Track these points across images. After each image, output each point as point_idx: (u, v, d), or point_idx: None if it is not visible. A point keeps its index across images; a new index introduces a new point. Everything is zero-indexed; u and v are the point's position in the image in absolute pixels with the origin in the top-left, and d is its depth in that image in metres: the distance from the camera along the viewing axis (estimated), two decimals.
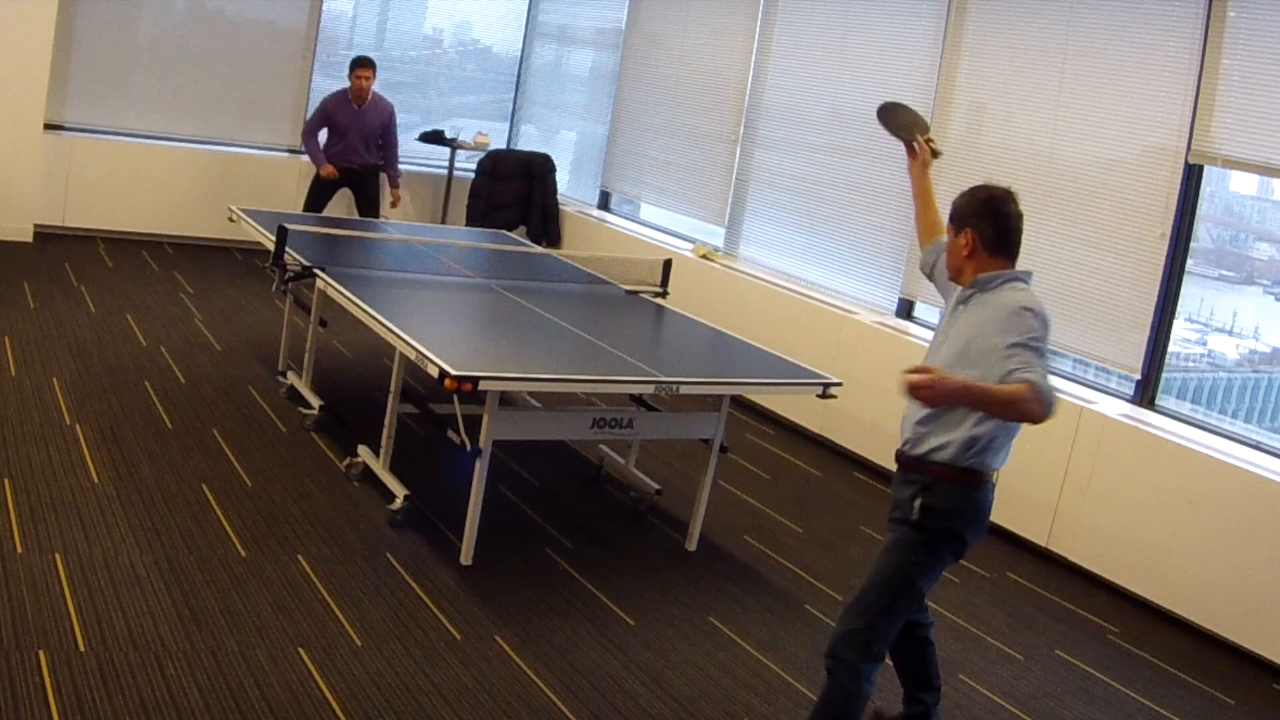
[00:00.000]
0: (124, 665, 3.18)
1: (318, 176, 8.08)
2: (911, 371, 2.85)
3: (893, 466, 6.06)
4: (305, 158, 9.03)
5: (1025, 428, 5.38)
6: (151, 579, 3.69)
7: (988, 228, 3.10)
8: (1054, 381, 5.43)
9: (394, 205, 8.36)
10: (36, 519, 3.95)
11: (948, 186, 6.13)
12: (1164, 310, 5.18)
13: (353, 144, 7.98)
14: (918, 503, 3.15)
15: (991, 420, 3.02)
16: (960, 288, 3.20)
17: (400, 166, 8.35)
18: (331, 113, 7.94)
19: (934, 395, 2.88)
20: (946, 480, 3.11)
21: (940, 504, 3.12)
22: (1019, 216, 3.13)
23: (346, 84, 7.99)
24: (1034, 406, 2.84)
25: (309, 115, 8.22)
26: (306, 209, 8.03)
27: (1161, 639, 4.62)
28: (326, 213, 8.08)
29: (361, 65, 7.84)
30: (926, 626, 3.50)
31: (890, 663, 3.41)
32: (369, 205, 8.23)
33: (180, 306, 6.95)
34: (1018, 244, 3.14)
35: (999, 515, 5.38)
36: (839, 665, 3.12)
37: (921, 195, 3.76)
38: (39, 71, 7.57)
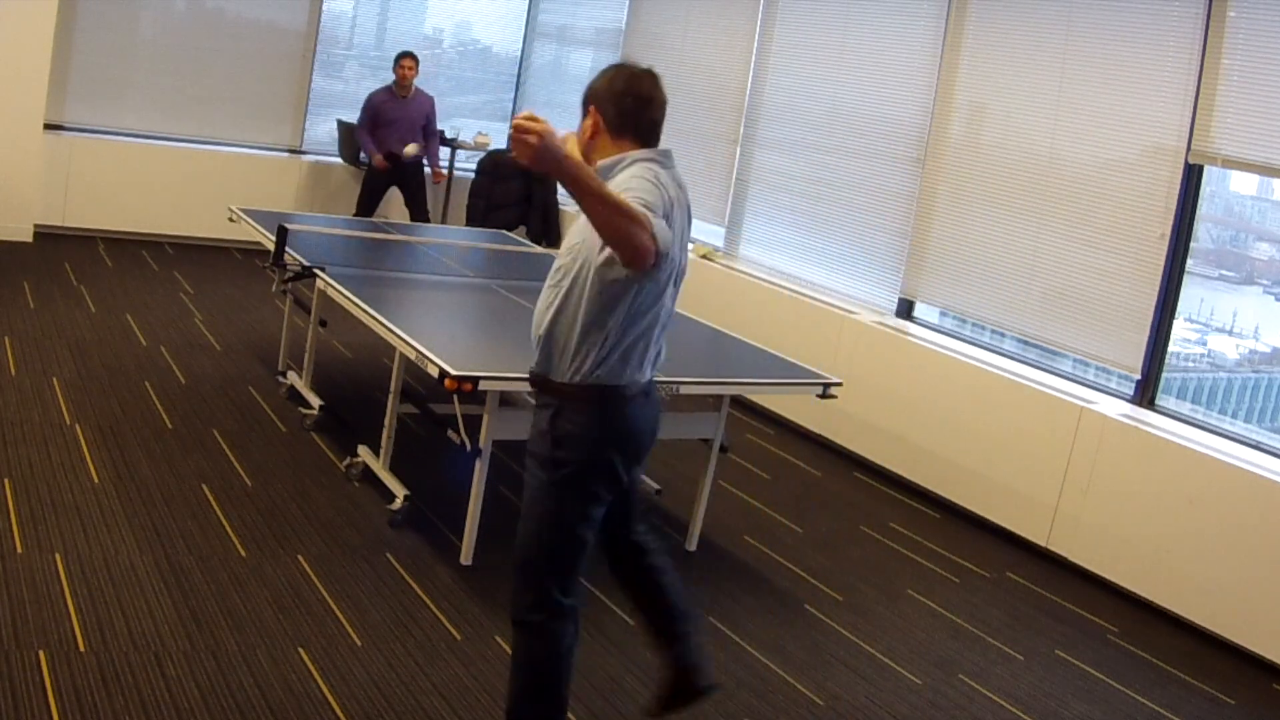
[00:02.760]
0: (124, 665, 3.18)
1: (367, 177, 8.34)
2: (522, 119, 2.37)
3: (892, 466, 6.10)
4: (308, 158, 9.08)
5: (1027, 428, 5.39)
6: (151, 579, 3.69)
7: (610, 108, 2.78)
8: (1055, 382, 5.46)
9: (437, 182, 8.78)
10: (36, 519, 3.95)
11: (948, 186, 6.17)
12: (1164, 310, 5.18)
13: (401, 135, 8.26)
14: (548, 431, 2.74)
15: (613, 322, 2.65)
16: None
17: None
18: (378, 107, 8.22)
19: (533, 152, 2.41)
20: (575, 401, 2.72)
21: (572, 430, 2.72)
22: (656, 103, 2.79)
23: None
24: (643, 234, 2.47)
25: (358, 116, 8.43)
26: (359, 212, 8.31)
27: (1161, 639, 4.62)
28: (380, 215, 8.39)
29: (405, 56, 8.22)
30: (649, 553, 3.10)
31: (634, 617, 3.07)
32: (418, 203, 8.47)
33: (180, 306, 6.95)
34: (650, 128, 2.77)
35: (999, 515, 5.44)
36: (525, 628, 2.82)
37: None
38: (39, 71, 7.57)
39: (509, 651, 3.64)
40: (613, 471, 2.78)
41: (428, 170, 8.59)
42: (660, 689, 3.15)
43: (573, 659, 2.86)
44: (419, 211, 8.49)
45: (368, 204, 8.38)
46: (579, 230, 2.78)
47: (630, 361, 2.72)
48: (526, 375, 2.86)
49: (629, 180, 2.64)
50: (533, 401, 2.95)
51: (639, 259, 2.51)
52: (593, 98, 2.83)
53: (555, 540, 2.80)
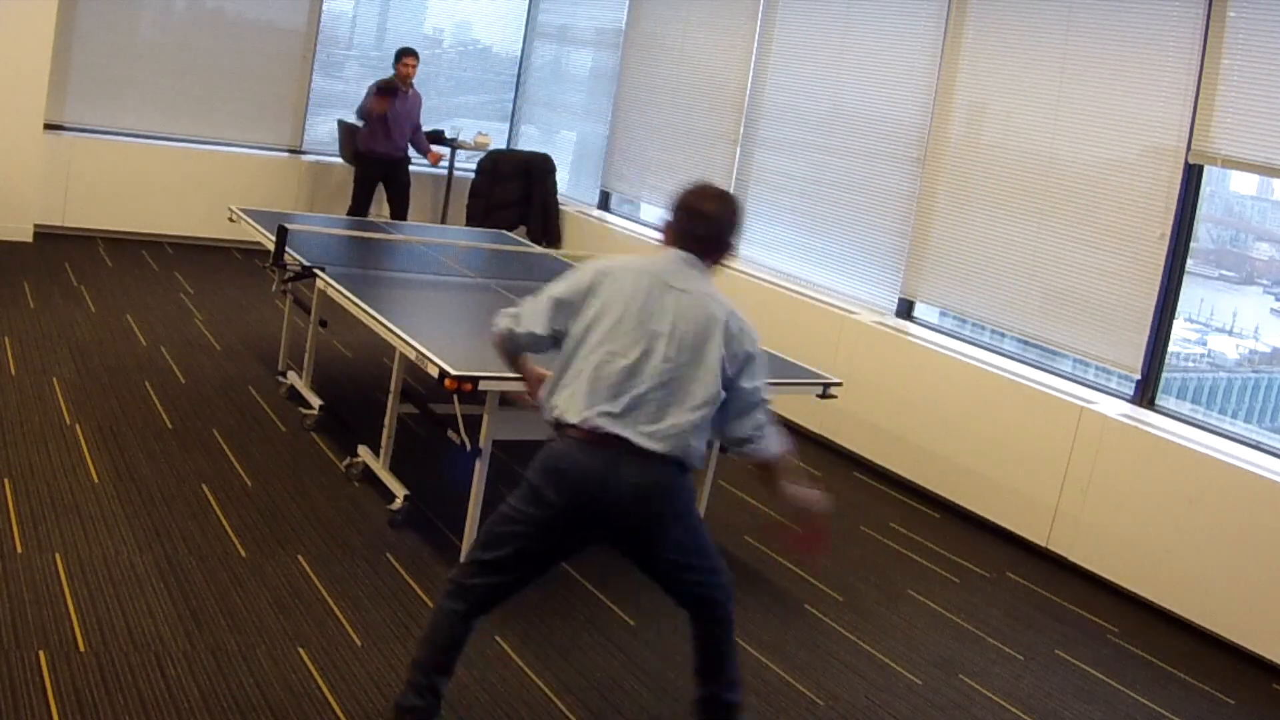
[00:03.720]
0: (124, 665, 3.18)
1: (360, 173, 8.36)
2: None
3: (892, 466, 6.10)
4: (308, 158, 9.09)
5: (1027, 428, 5.40)
6: (151, 579, 3.69)
7: (674, 220, 3.10)
8: (1055, 382, 5.46)
9: (435, 163, 8.89)
10: (36, 519, 3.95)
11: (948, 186, 6.17)
12: (1164, 310, 5.18)
13: (400, 131, 8.35)
14: None
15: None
16: None
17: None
18: (385, 103, 8.26)
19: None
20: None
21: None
22: (707, 217, 3.07)
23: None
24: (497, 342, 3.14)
25: (360, 104, 8.44)
26: (354, 210, 8.31)
27: (1161, 639, 4.62)
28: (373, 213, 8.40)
29: (407, 54, 8.28)
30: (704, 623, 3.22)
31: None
32: (400, 201, 8.50)
33: (180, 306, 6.95)
34: (695, 238, 3.07)
35: (999, 515, 5.44)
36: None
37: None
38: (39, 71, 7.57)
39: (509, 652, 3.65)
40: (533, 494, 2.98)
41: (414, 167, 8.62)
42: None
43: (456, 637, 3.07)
44: (399, 209, 8.51)
45: (363, 201, 8.38)
46: None
47: (562, 397, 3.01)
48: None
49: None
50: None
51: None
52: (672, 209, 3.14)
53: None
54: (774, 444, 3.11)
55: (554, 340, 3.06)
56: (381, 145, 8.29)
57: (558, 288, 3.04)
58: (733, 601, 3.20)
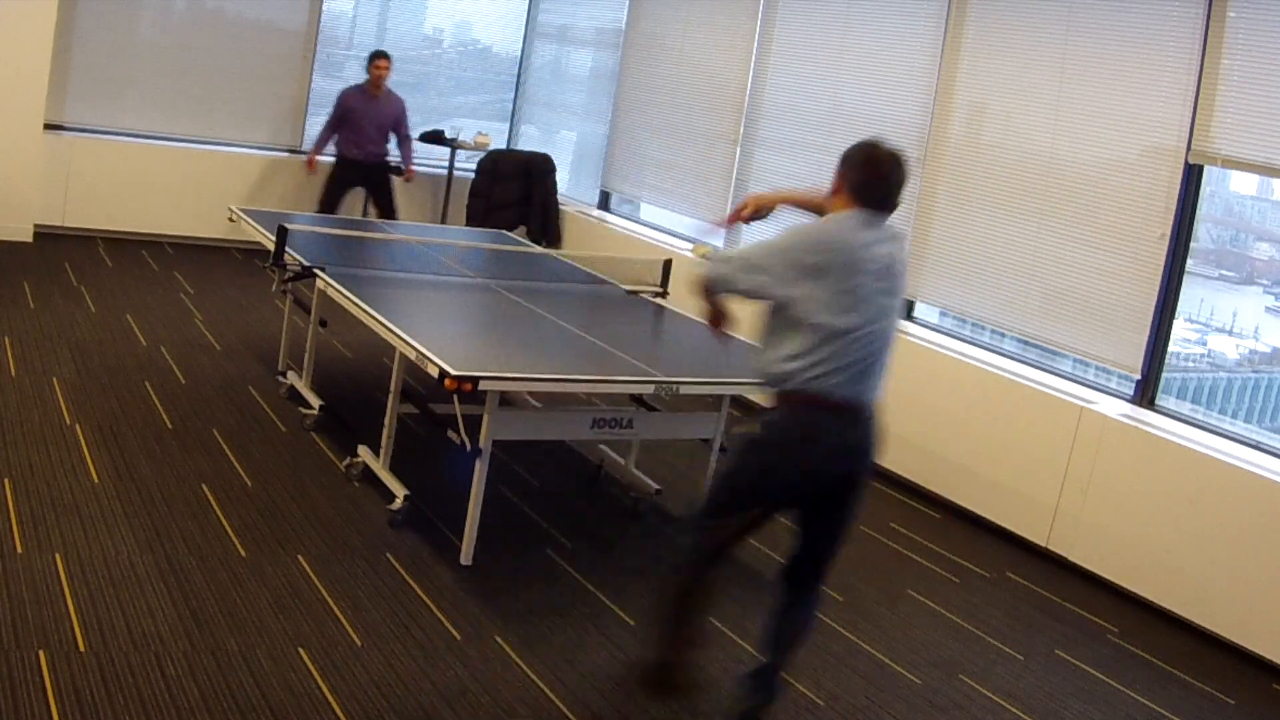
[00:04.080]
0: (124, 665, 3.18)
1: (334, 174, 8.30)
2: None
3: (892, 467, 6.09)
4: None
5: (1027, 428, 5.40)
6: (151, 579, 3.69)
7: (853, 174, 3.19)
8: (1055, 382, 5.45)
9: (409, 180, 8.67)
10: (36, 519, 3.95)
11: (948, 186, 6.17)
12: (1164, 310, 5.18)
13: (367, 133, 8.26)
14: None
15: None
16: None
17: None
18: (349, 105, 8.23)
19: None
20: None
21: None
22: (893, 180, 3.17)
23: (352, 81, 8.36)
24: (699, 282, 3.26)
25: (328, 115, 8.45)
26: (321, 209, 8.18)
27: (1161, 639, 4.62)
28: (343, 213, 8.25)
29: (380, 56, 8.21)
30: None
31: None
32: (385, 202, 8.45)
33: (180, 306, 6.95)
34: (880, 200, 3.17)
35: (999, 515, 5.44)
36: None
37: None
38: (39, 71, 7.57)
39: (509, 652, 3.65)
40: (779, 465, 3.23)
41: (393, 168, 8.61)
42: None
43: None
44: (387, 210, 8.44)
45: (331, 202, 8.26)
46: None
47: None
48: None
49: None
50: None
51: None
52: (844, 160, 3.22)
53: None
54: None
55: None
56: (351, 150, 8.24)
57: (752, 261, 3.21)
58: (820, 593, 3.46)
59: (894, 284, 3.19)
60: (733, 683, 3.52)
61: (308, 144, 9.08)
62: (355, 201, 8.73)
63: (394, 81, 8.44)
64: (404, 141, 8.48)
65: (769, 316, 3.19)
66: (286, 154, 9.01)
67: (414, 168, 8.61)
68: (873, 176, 3.15)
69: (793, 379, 3.09)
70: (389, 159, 8.45)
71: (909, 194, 6.33)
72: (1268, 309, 5.56)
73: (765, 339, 3.21)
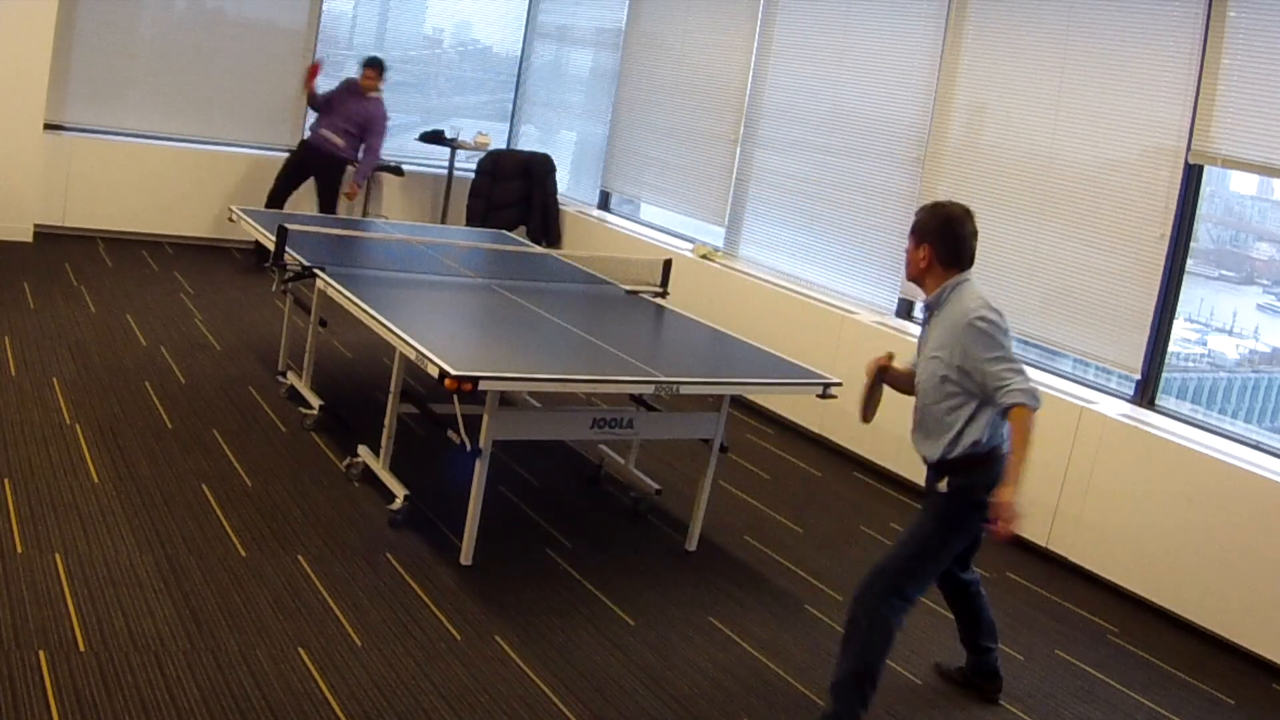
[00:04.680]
0: (124, 665, 3.18)
1: (287, 162, 8.25)
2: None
3: (893, 466, 6.10)
4: None
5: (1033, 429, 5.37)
6: (151, 579, 3.69)
7: (942, 246, 3.46)
8: (1055, 382, 5.46)
9: (350, 197, 8.52)
10: (36, 519, 3.95)
11: (948, 186, 6.17)
12: (1164, 310, 5.18)
13: (332, 120, 8.21)
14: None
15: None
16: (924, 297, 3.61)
17: (372, 173, 8.58)
18: (338, 90, 8.28)
19: (1015, 517, 3.24)
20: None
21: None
22: (973, 235, 3.48)
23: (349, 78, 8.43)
24: (1031, 422, 3.27)
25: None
26: (271, 202, 8.07)
27: (1161, 639, 4.62)
28: (290, 207, 8.10)
29: (369, 64, 8.28)
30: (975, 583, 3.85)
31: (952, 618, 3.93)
32: (327, 196, 8.30)
33: (180, 306, 6.95)
34: (970, 257, 3.49)
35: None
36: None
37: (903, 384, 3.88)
38: (39, 71, 7.56)
39: (509, 652, 3.65)
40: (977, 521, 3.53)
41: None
42: (966, 673, 3.97)
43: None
44: (327, 204, 8.26)
45: (281, 193, 8.14)
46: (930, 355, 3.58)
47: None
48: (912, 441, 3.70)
49: (970, 318, 3.37)
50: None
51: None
52: (927, 233, 3.49)
53: None
54: None
55: None
56: (315, 131, 8.21)
57: (1012, 350, 3.38)
58: None
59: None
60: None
61: None
62: (355, 201, 8.73)
63: (395, 82, 8.43)
64: (367, 152, 8.31)
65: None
66: (286, 154, 9.00)
67: (358, 186, 8.44)
68: (959, 236, 3.46)
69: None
70: (344, 156, 8.25)
71: (909, 193, 6.38)
72: (1258, 306, 5.56)
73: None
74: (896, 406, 5.93)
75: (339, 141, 8.20)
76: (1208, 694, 4.22)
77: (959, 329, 3.37)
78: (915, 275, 3.55)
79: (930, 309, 3.55)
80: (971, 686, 3.93)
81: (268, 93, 8.92)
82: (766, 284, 6.93)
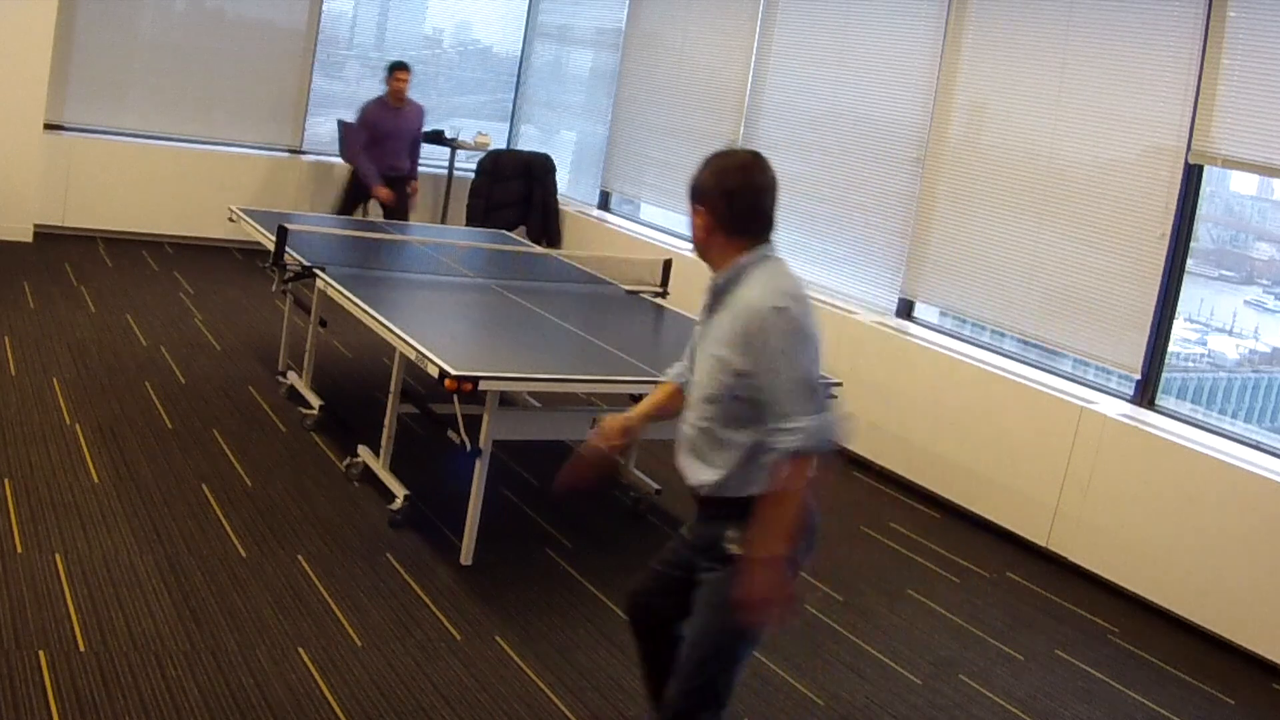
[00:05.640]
0: (124, 665, 3.18)
1: (354, 179, 8.06)
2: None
3: (892, 466, 6.09)
4: (308, 158, 9.06)
5: (1027, 428, 5.39)
6: (151, 579, 3.69)
7: (725, 207, 2.66)
8: (1055, 382, 5.45)
9: (412, 194, 8.35)
10: (36, 519, 3.95)
11: (948, 186, 6.17)
12: (1164, 310, 5.18)
13: (396, 148, 8.02)
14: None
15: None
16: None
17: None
18: (375, 122, 7.91)
19: (773, 589, 2.48)
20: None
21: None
22: (766, 191, 2.70)
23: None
24: (801, 479, 2.45)
25: (352, 130, 8.15)
26: (337, 210, 8.08)
27: (1161, 639, 4.62)
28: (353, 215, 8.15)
29: (399, 68, 7.88)
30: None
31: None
32: (401, 211, 8.25)
33: (180, 306, 6.95)
34: (767, 223, 2.69)
35: (999, 515, 5.44)
36: None
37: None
38: (39, 71, 7.57)
39: (509, 652, 3.65)
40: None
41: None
42: None
43: None
44: (400, 214, 8.19)
45: (345, 206, 8.13)
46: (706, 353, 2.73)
47: None
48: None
49: (754, 313, 2.56)
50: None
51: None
52: (701, 193, 2.71)
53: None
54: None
55: None
56: (378, 164, 8.04)
57: (814, 367, 2.58)
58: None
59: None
60: None
61: (308, 144, 9.11)
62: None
63: None
64: (415, 146, 8.24)
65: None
66: (286, 154, 9.01)
67: (416, 176, 8.38)
68: (745, 192, 2.69)
69: None
70: (409, 172, 8.18)
71: (909, 193, 6.38)
72: (1246, 302, 5.56)
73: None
74: (895, 406, 5.94)
75: (404, 165, 8.10)
76: (1208, 694, 4.22)
77: (744, 322, 2.55)
78: (698, 248, 2.75)
79: (717, 293, 2.70)
80: None
81: (268, 93, 8.92)
82: None
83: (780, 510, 2.46)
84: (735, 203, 2.66)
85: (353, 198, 8.18)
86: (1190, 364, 5.49)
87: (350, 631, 3.61)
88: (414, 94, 8.23)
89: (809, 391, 2.50)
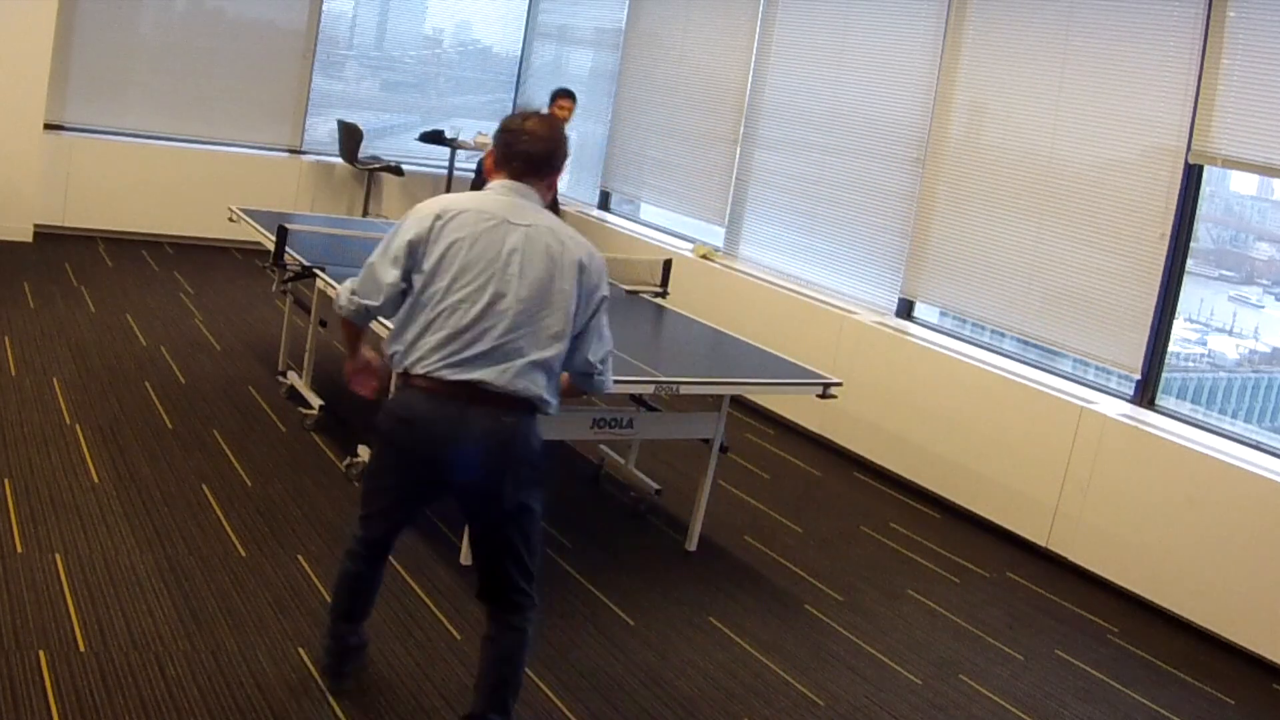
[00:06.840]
0: (124, 665, 3.18)
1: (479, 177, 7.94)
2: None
3: (892, 466, 6.09)
4: (308, 158, 9.05)
5: (1027, 428, 5.39)
6: (151, 579, 3.69)
7: (504, 146, 3.02)
8: (1055, 382, 5.45)
9: None
10: (36, 519, 3.95)
11: (948, 186, 6.17)
12: (1164, 310, 5.18)
13: None
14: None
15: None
16: None
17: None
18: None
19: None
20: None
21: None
22: (535, 135, 2.98)
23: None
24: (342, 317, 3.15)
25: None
26: None
27: (1161, 639, 4.62)
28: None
29: (563, 96, 7.54)
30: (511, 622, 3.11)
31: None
32: None
33: (180, 306, 6.95)
34: (530, 160, 2.98)
35: (999, 515, 5.44)
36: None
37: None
38: (39, 71, 7.56)
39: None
40: (386, 447, 3.07)
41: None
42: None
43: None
44: None
45: None
46: None
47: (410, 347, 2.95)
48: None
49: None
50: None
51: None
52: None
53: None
54: (610, 381, 3.16)
55: (397, 303, 2.97)
56: None
57: (394, 244, 2.93)
58: (532, 623, 3.05)
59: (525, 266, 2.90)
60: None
61: (309, 144, 9.11)
62: (356, 201, 8.72)
63: (395, 81, 8.43)
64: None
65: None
66: (286, 154, 9.02)
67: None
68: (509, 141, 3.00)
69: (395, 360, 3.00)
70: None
71: (909, 193, 6.38)
72: (1230, 298, 5.56)
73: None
74: (895, 406, 5.94)
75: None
76: (1208, 694, 4.22)
77: None
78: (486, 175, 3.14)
79: None
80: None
81: (268, 93, 8.92)
82: (766, 284, 6.93)
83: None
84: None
85: None
86: (1190, 364, 5.49)
87: None
88: (414, 94, 8.23)
89: (367, 268, 3.02)
